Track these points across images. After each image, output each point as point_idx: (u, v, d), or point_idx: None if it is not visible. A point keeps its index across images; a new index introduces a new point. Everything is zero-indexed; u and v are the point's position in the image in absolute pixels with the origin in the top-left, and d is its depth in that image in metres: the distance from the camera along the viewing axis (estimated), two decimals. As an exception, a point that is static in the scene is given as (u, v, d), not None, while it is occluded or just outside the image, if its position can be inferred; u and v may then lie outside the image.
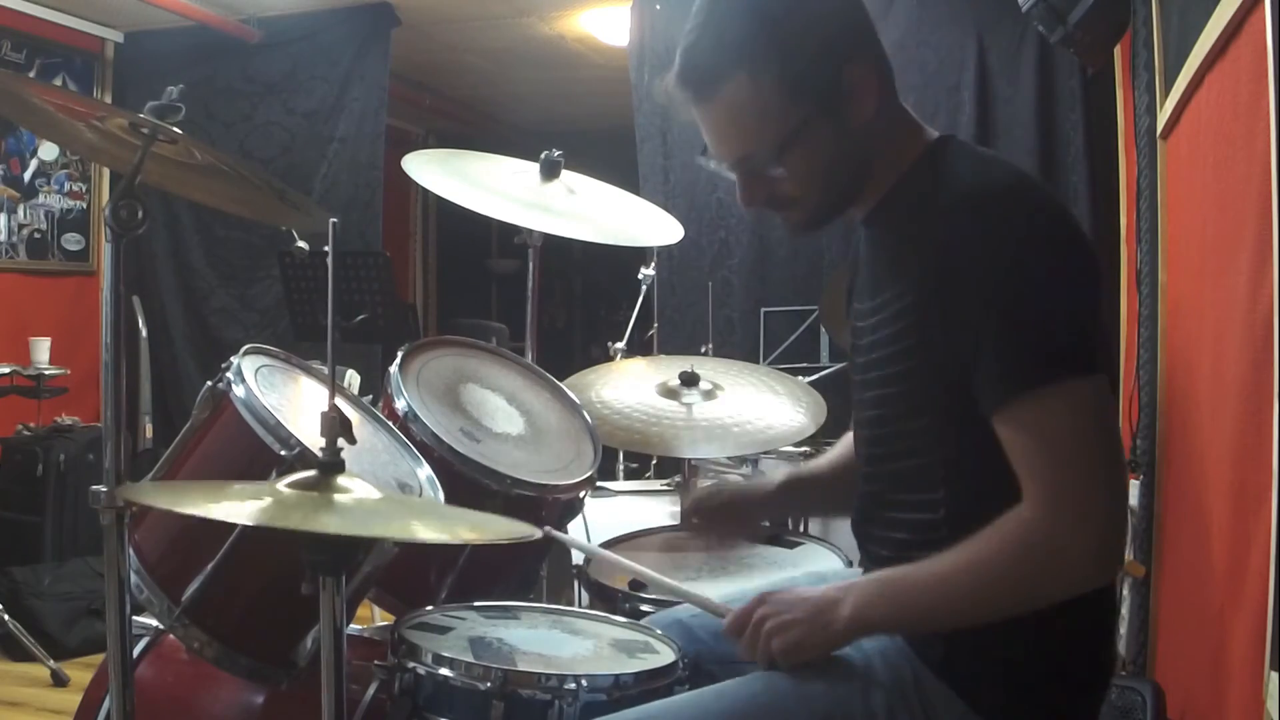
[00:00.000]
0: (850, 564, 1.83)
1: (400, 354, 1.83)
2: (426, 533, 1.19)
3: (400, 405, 1.72)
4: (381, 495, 1.21)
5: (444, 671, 1.32)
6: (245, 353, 1.53)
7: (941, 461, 1.19)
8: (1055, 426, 1.07)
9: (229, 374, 1.46)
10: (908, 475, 1.23)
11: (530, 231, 2.23)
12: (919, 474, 1.21)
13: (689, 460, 2.35)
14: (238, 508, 1.12)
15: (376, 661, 1.38)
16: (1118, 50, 2.86)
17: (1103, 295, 1.17)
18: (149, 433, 4.60)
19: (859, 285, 1.34)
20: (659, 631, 1.48)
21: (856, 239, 1.39)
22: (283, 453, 1.37)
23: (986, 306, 1.09)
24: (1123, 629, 2.45)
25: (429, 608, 1.55)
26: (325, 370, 1.28)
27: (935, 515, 1.20)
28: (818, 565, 1.92)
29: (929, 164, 1.22)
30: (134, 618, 1.42)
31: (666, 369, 2.29)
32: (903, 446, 1.23)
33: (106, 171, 4.58)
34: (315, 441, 1.21)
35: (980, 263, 1.10)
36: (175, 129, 1.32)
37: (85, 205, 4.70)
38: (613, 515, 2.40)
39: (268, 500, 1.13)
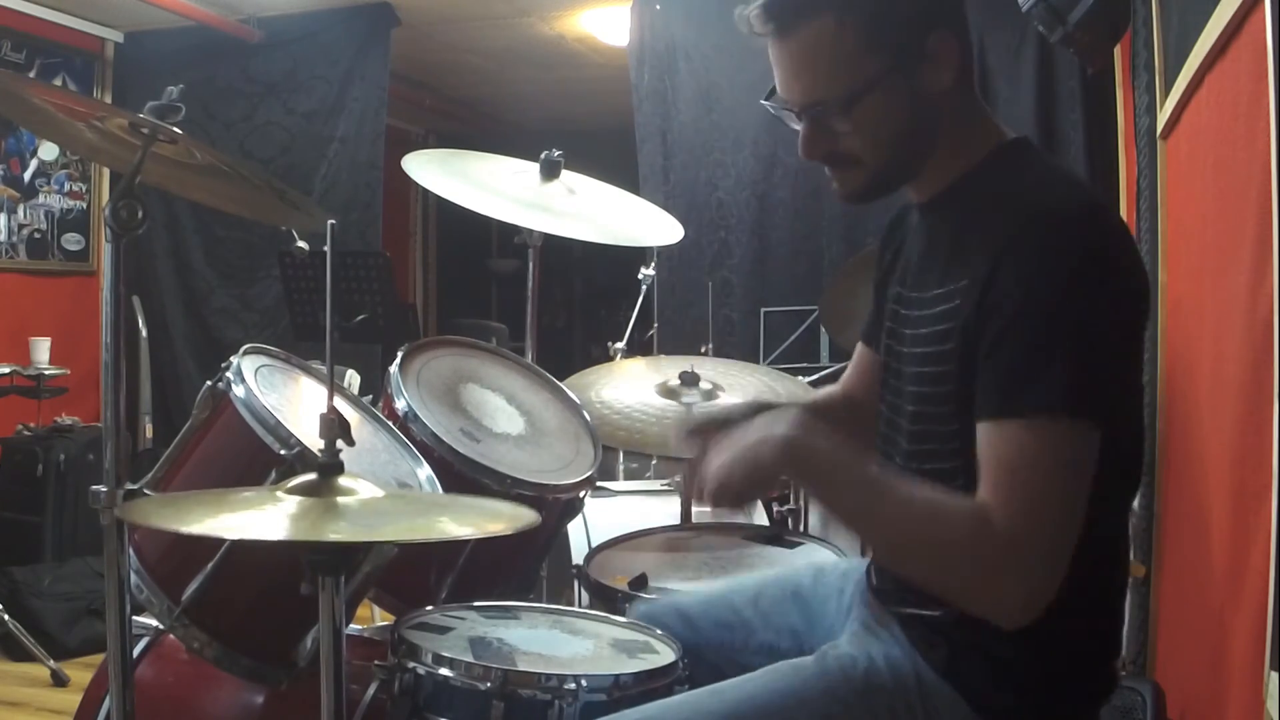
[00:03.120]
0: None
1: (400, 354, 1.83)
2: (432, 531, 1.19)
3: (400, 405, 1.72)
4: (384, 493, 1.21)
5: (444, 671, 1.32)
6: (245, 353, 1.53)
7: (962, 469, 1.15)
8: (1034, 453, 1.04)
9: (229, 374, 1.46)
10: (934, 477, 1.19)
11: (530, 231, 2.23)
12: (939, 479, 1.17)
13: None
14: (240, 521, 1.12)
15: (376, 661, 1.38)
16: (1118, 50, 2.86)
17: (1139, 340, 1.14)
18: (149, 433, 4.60)
19: (904, 271, 1.30)
20: (659, 631, 1.48)
21: (897, 222, 1.37)
22: (282, 453, 1.37)
23: (1020, 320, 1.06)
24: (1123, 629, 2.45)
25: (429, 608, 1.55)
26: (325, 370, 1.28)
27: None
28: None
29: (1002, 164, 1.19)
30: (134, 618, 1.42)
31: (666, 369, 2.29)
32: (927, 449, 1.20)
33: (106, 171, 4.58)
34: (315, 441, 1.21)
35: (1031, 279, 1.07)
36: (175, 129, 1.32)
37: (85, 205, 4.71)
38: (613, 515, 2.40)
39: (270, 511, 1.13)
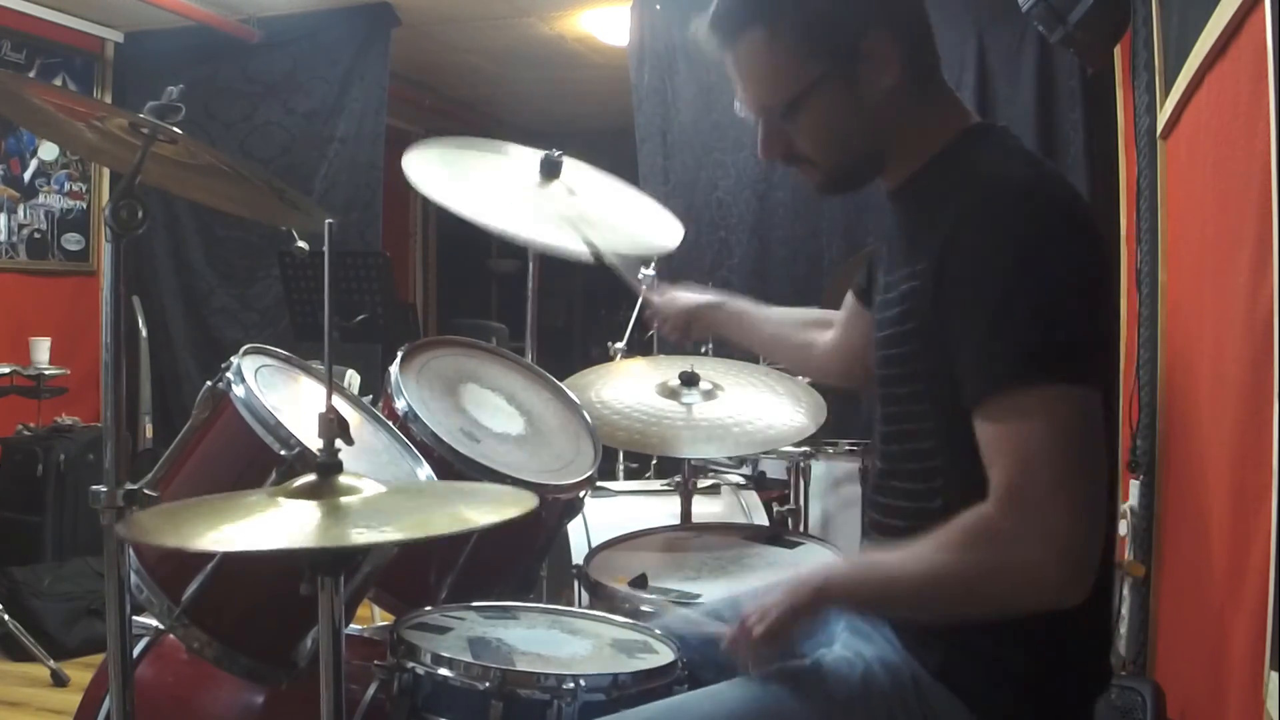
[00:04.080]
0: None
1: (400, 354, 1.83)
2: (436, 526, 1.19)
3: (400, 405, 1.72)
4: (385, 489, 1.21)
5: (443, 671, 1.32)
6: (245, 353, 1.53)
7: (939, 450, 1.18)
8: (1026, 429, 1.05)
9: (229, 374, 1.46)
10: (908, 460, 1.22)
11: (530, 231, 2.22)
12: (918, 460, 1.21)
13: (689, 460, 2.35)
14: (240, 531, 1.11)
15: (376, 661, 1.38)
16: (1118, 50, 2.86)
17: (1108, 306, 1.15)
18: (149, 433, 4.60)
19: (882, 259, 1.33)
20: (658, 631, 1.48)
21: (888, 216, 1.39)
22: (283, 453, 1.37)
23: (978, 299, 1.08)
24: (1123, 629, 2.45)
25: (428, 608, 1.55)
26: (325, 370, 1.28)
27: (932, 504, 1.18)
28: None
29: (962, 148, 1.21)
30: (134, 618, 1.42)
31: (666, 369, 2.29)
32: (904, 430, 1.23)
33: (106, 171, 4.58)
34: (315, 441, 1.21)
35: (980, 253, 1.08)
36: (175, 129, 1.32)
37: (85, 205, 4.71)
38: (613, 515, 2.40)
39: (270, 517, 1.13)
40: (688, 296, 1.86)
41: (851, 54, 1.18)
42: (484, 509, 1.25)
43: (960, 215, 1.11)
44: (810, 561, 1.95)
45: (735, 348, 2.13)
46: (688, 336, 1.87)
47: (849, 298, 1.57)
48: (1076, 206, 1.15)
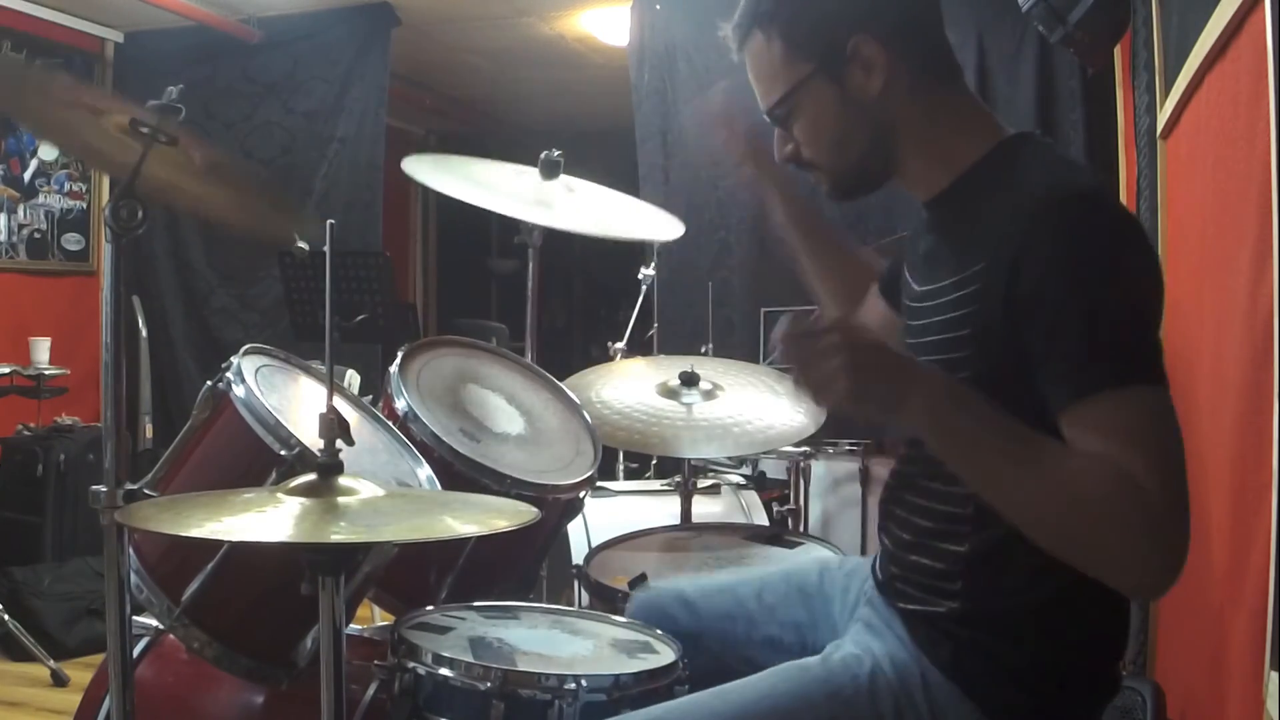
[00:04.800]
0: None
1: (400, 354, 1.83)
2: (434, 530, 1.19)
3: (400, 405, 1.72)
4: (384, 493, 1.21)
5: (444, 671, 1.32)
6: (245, 353, 1.53)
7: None
8: (1133, 423, 1.04)
9: (229, 374, 1.46)
10: (943, 464, 1.20)
11: (530, 231, 2.23)
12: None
13: (689, 460, 2.35)
14: (240, 524, 1.12)
15: (376, 661, 1.38)
16: (1118, 50, 2.86)
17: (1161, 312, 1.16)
18: (149, 433, 4.60)
19: (916, 267, 1.32)
20: (659, 631, 1.48)
21: (914, 222, 1.39)
22: (283, 453, 1.37)
23: (1062, 306, 1.07)
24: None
25: (429, 608, 1.55)
26: (325, 370, 1.28)
27: (964, 510, 1.18)
28: (818, 565, 1.91)
29: (1009, 156, 1.22)
30: (134, 618, 1.42)
31: (666, 369, 2.29)
32: None
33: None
34: (315, 441, 1.22)
35: (1061, 263, 1.08)
36: (173, 132, 1.31)
37: (85, 205, 4.70)
38: (613, 515, 2.40)
39: (270, 512, 1.13)
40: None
41: (837, 56, 1.21)
42: (483, 518, 1.25)
43: (1034, 219, 1.10)
44: (810, 556, 1.95)
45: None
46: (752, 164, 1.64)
47: (873, 294, 1.55)
48: (1133, 215, 1.20)
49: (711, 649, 1.42)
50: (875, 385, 1.07)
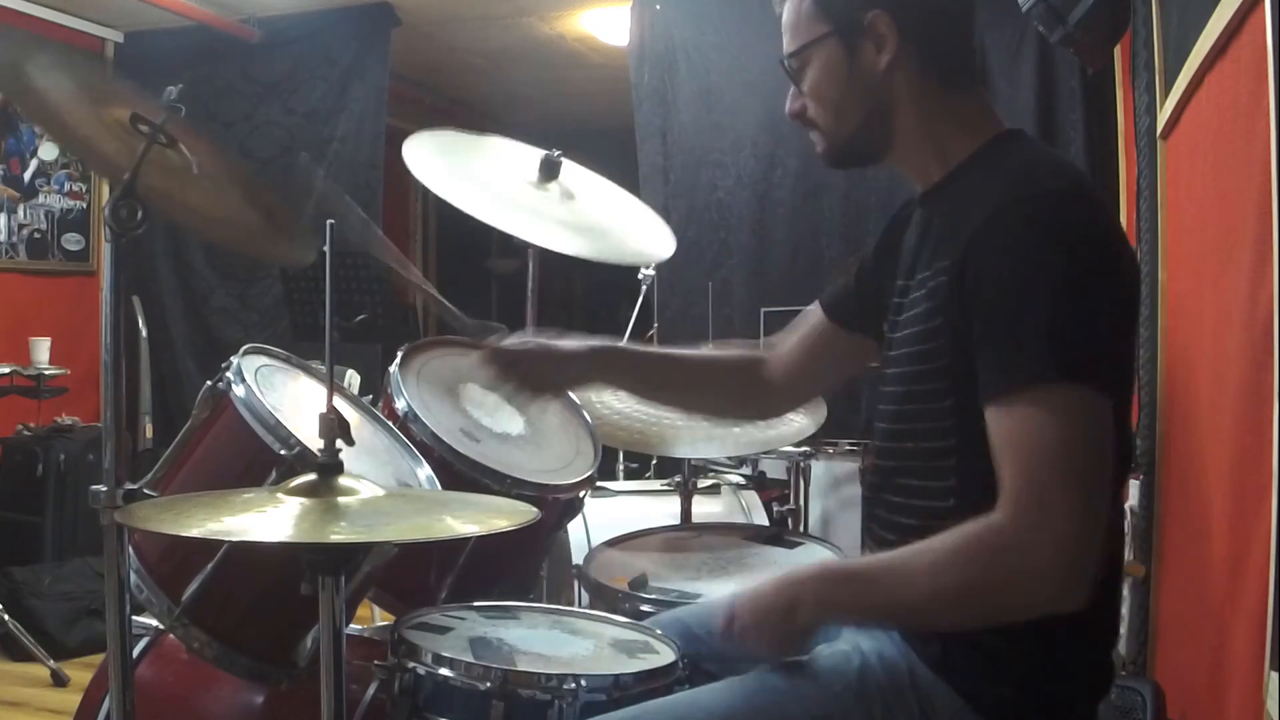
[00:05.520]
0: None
1: (400, 354, 1.83)
2: (433, 530, 1.19)
3: (400, 405, 1.72)
4: (384, 493, 1.21)
5: (444, 671, 1.32)
6: (245, 353, 1.53)
7: (956, 449, 1.18)
8: (1038, 428, 1.06)
9: (229, 374, 1.46)
10: (922, 458, 1.23)
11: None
12: (933, 458, 1.21)
13: (689, 460, 2.35)
14: (240, 524, 1.12)
15: (376, 661, 1.38)
16: (1118, 50, 2.86)
17: (1133, 317, 1.16)
18: (149, 433, 4.60)
19: (902, 262, 1.34)
20: (659, 631, 1.48)
21: (898, 218, 1.41)
22: (283, 452, 1.37)
23: (1000, 295, 1.10)
24: (1123, 629, 2.45)
25: (429, 608, 1.55)
26: (325, 370, 1.28)
27: (945, 504, 1.19)
28: (818, 565, 1.91)
29: (993, 153, 1.24)
30: (134, 618, 1.42)
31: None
32: (920, 428, 1.23)
33: (106, 171, 4.57)
34: (315, 441, 1.22)
35: (1005, 251, 1.11)
36: (172, 134, 1.31)
37: (85, 205, 4.70)
38: (613, 515, 2.40)
39: (270, 512, 1.13)
40: (551, 344, 1.56)
41: (855, 24, 1.25)
42: (483, 517, 1.25)
43: (987, 218, 1.13)
44: (810, 560, 1.95)
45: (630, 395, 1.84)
46: (543, 390, 1.59)
47: (814, 312, 1.54)
48: (1106, 221, 1.17)
49: (711, 670, 1.42)
50: (779, 636, 1.21)
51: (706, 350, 1.71)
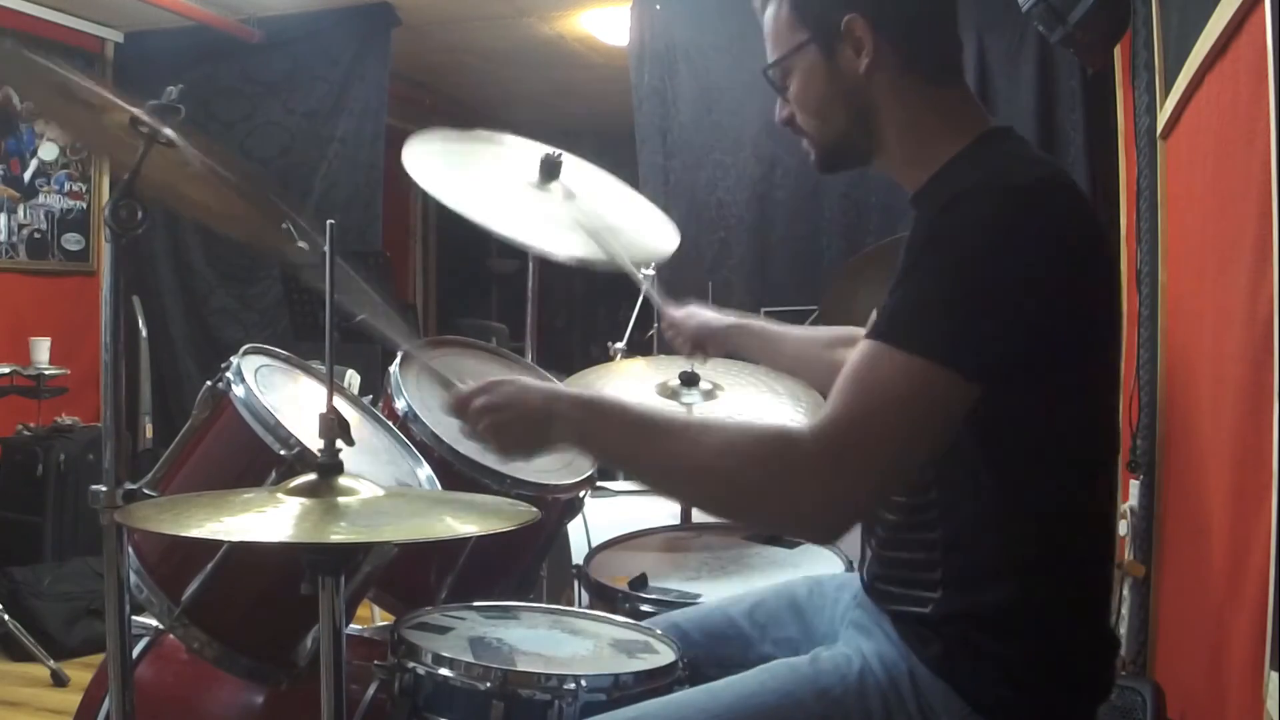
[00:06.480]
0: (850, 566, 1.83)
1: (400, 354, 1.83)
2: (433, 530, 1.19)
3: (400, 405, 1.72)
4: (384, 493, 1.21)
5: (444, 671, 1.32)
6: (245, 353, 1.53)
7: (934, 480, 1.18)
8: (886, 379, 1.08)
9: (229, 374, 1.46)
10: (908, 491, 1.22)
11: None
12: (913, 493, 1.21)
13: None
14: (240, 524, 1.12)
15: (376, 661, 1.38)
16: (1118, 50, 2.86)
17: (1092, 319, 1.15)
18: (149, 433, 4.60)
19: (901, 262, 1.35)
20: (659, 631, 1.48)
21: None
22: (282, 452, 1.37)
23: (919, 263, 1.12)
24: (1123, 629, 2.45)
25: (429, 608, 1.55)
26: (325, 370, 1.28)
27: (928, 496, 1.19)
28: (817, 567, 1.92)
29: (978, 153, 1.23)
30: (134, 618, 1.42)
31: (666, 369, 2.29)
32: None
33: (106, 171, 4.58)
34: (315, 441, 1.22)
35: (943, 233, 1.12)
36: (172, 135, 1.31)
37: (85, 205, 4.71)
38: (613, 515, 2.40)
39: (270, 512, 1.13)
40: (706, 315, 1.87)
41: (832, 29, 1.25)
42: (483, 517, 1.25)
43: (946, 201, 1.14)
44: (810, 561, 1.95)
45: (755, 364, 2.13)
46: (703, 353, 1.88)
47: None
48: (1072, 215, 1.15)
49: (708, 674, 1.42)
50: (517, 431, 1.23)
51: (828, 330, 1.79)
